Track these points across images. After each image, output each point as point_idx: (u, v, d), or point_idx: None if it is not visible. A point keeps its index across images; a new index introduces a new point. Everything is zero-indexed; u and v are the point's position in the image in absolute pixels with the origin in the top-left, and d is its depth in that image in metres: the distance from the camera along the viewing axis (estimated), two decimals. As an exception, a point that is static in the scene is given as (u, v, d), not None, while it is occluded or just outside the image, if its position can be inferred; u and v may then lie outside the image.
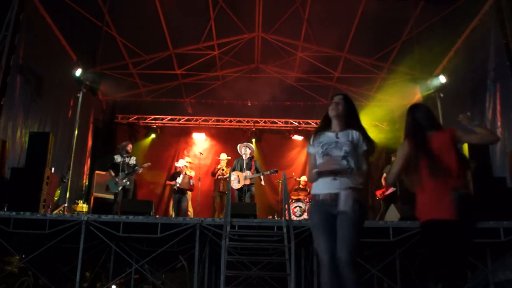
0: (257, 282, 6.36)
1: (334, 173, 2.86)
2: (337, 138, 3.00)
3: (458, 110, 8.19)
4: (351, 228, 2.74)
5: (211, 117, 11.48)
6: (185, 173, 9.29)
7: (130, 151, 8.48)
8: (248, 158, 8.36)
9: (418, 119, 3.13)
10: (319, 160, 2.98)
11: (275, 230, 5.73)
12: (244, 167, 8.27)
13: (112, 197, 8.94)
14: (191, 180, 9.28)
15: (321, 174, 2.92)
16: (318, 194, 2.94)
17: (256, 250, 5.76)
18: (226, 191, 8.87)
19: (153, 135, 11.48)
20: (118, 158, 8.33)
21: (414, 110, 3.20)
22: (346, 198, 2.77)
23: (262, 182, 8.50)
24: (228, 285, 5.36)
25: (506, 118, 6.73)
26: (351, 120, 3.06)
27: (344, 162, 2.89)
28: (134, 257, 6.34)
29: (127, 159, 8.34)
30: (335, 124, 3.07)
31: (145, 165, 8.60)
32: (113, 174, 8.14)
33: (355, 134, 3.00)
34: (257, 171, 8.34)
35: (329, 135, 3.04)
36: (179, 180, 9.18)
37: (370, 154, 3.01)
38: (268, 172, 8.44)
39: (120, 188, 8.12)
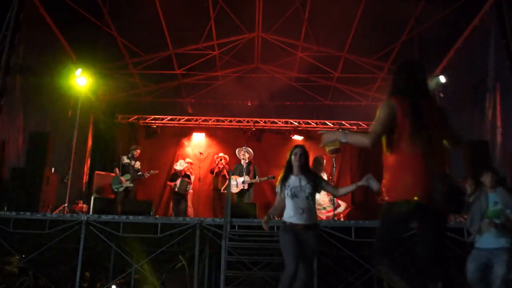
0: (257, 282, 6.36)
1: (302, 209, 3.80)
2: (300, 182, 3.90)
3: (458, 110, 8.26)
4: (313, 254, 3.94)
5: (211, 117, 11.46)
6: (184, 176, 9.27)
7: (137, 156, 8.84)
8: (247, 163, 8.41)
9: (418, 80, 2.56)
10: (288, 200, 3.88)
11: (275, 230, 5.73)
12: (244, 172, 8.33)
13: (111, 197, 8.97)
14: (188, 185, 9.25)
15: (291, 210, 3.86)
16: (289, 221, 3.84)
17: (256, 250, 5.76)
18: (224, 190, 8.89)
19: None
20: (125, 159, 8.60)
21: (414, 68, 2.64)
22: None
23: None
24: (228, 285, 5.37)
25: (506, 118, 6.73)
26: (306, 166, 3.99)
27: (307, 201, 3.85)
28: (134, 257, 6.34)
29: (132, 162, 8.66)
30: (296, 170, 3.96)
31: (152, 172, 8.88)
32: (118, 172, 8.37)
33: (310, 178, 3.93)
34: (255, 176, 8.40)
35: (293, 179, 3.93)
36: (177, 184, 9.17)
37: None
38: (266, 178, 8.51)
39: (122, 188, 8.30)
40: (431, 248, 2.44)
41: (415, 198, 2.29)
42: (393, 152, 2.46)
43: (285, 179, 3.97)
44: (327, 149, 3.37)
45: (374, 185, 3.58)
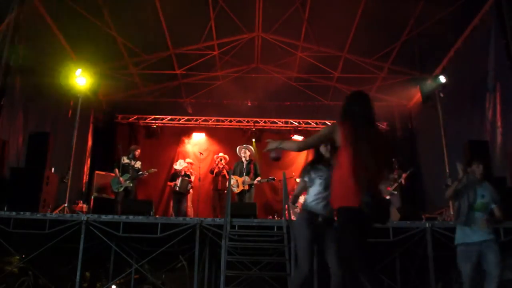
0: (257, 282, 6.36)
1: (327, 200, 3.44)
2: (322, 171, 3.64)
3: (458, 110, 8.27)
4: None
5: (211, 117, 11.47)
6: (184, 175, 9.28)
7: (137, 155, 8.82)
8: (247, 162, 8.39)
9: (365, 109, 2.95)
10: (318, 188, 3.61)
11: (275, 230, 5.74)
12: (244, 171, 8.31)
13: (111, 197, 8.98)
14: (189, 184, 9.27)
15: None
16: (310, 209, 3.58)
17: (256, 250, 5.76)
18: (224, 189, 8.89)
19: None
20: (125, 159, 8.60)
21: (363, 98, 3.02)
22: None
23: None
24: (228, 285, 5.36)
25: (506, 118, 6.73)
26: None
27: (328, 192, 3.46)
28: (134, 257, 6.34)
29: (133, 162, 8.65)
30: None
31: (151, 170, 8.85)
32: (118, 173, 8.37)
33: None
34: (256, 174, 8.38)
35: (324, 169, 3.64)
36: (178, 183, 9.18)
37: None
38: (266, 179, 8.51)
39: (122, 188, 8.31)
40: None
41: (354, 205, 2.68)
42: (336, 168, 2.93)
43: (314, 165, 3.72)
44: (270, 156, 3.44)
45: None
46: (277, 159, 3.44)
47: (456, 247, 4.31)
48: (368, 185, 2.69)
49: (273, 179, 8.59)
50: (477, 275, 4.09)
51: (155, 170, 9.01)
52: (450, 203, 7.42)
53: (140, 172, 8.63)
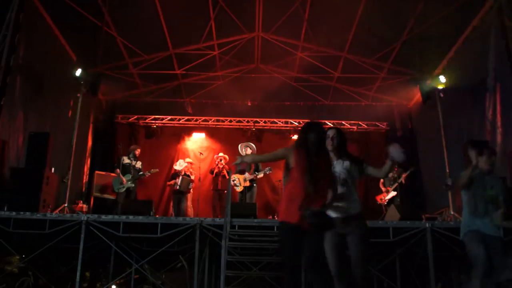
0: (257, 282, 6.36)
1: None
2: (334, 169, 3.50)
3: (458, 110, 8.27)
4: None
5: (211, 117, 11.47)
6: (184, 175, 9.29)
7: (138, 155, 8.83)
8: None
9: (318, 139, 3.34)
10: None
11: (275, 230, 5.73)
12: (245, 169, 8.31)
13: (112, 197, 8.98)
14: (190, 183, 9.28)
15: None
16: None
17: (256, 250, 5.76)
18: (224, 189, 8.88)
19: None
20: (126, 160, 8.61)
21: (316, 128, 3.39)
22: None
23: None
24: (228, 285, 5.37)
25: (506, 118, 6.73)
26: (342, 150, 3.60)
27: (343, 189, 3.45)
28: (134, 257, 6.34)
29: (133, 162, 8.66)
30: (331, 155, 3.57)
31: (153, 171, 8.86)
32: (119, 173, 8.38)
33: (346, 163, 3.54)
34: (257, 170, 8.36)
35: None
36: (178, 182, 9.19)
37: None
38: (263, 172, 8.37)
39: (124, 189, 8.33)
40: (309, 258, 3.13)
41: (292, 221, 3.10)
42: (287, 185, 3.37)
43: None
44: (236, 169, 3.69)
45: (395, 154, 3.41)
46: (243, 171, 3.67)
47: (463, 236, 4.01)
48: (308, 204, 3.10)
49: (270, 169, 8.51)
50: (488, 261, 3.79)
51: (157, 170, 9.03)
52: (450, 202, 7.43)
53: (142, 173, 8.65)
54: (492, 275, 3.81)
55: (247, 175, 8.28)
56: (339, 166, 3.52)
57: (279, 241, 3.41)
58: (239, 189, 8.25)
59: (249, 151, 8.44)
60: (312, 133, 3.30)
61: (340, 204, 3.42)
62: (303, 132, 3.36)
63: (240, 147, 8.58)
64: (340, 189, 3.44)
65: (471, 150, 4.16)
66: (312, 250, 3.13)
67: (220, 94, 11.21)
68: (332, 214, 3.43)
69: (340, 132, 3.65)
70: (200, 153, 10.40)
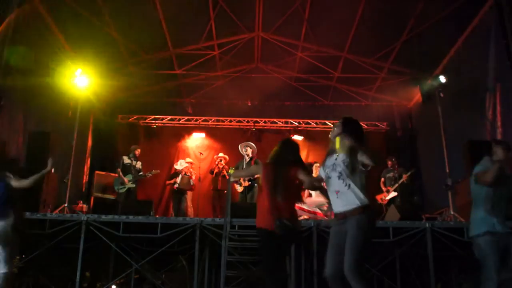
0: (257, 282, 6.36)
1: (336, 193, 3.23)
2: (335, 160, 3.30)
3: (458, 110, 8.26)
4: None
5: (211, 117, 11.47)
6: (184, 173, 9.30)
7: (138, 155, 8.88)
8: (249, 159, 8.36)
9: (287, 155, 3.83)
10: (326, 183, 3.38)
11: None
12: (245, 168, 8.29)
13: (112, 197, 8.98)
14: (190, 180, 9.29)
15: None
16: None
17: (256, 250, 5.75)
18: (224, 190, 8.87)
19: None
20: (126, 160, 8.66)
21: (287, 145, 3.95)
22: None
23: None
24: (228, 285, 5.36)
25: (506, 118, 6.73)
26: (343, 143, 3.29)
27: (340, 181, 3.21)
28: (134, 257, 6.34)
29: (134, 162, 8.71)
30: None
31: (154, 172, 8.92)
32: (121, 174, 8.45)
33: (343, 155, 3.26)
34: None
35: (332, 157, 3.36)
36: (178, 180, 9.19)
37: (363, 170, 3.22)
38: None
39: (125, 189, 8.38)
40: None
41: (265, 227, 3.64)
42: (259, 196, 3.96)
43: (325, 159, 3.41)
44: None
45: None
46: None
47: (478, 236, 3.77)
48: (278, 214, 3.56)
49: None
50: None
51: (158, 172, 9.08)
52: (450, 202, 7.42)
53: (142, 173, 8.68)
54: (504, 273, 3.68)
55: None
56: (341, 157, 3.26)
57: (258, 246, 3.90)
58: (240, 189, 8.24)
59: (249, 150, 8.43)
60: (281, 148, 3.84)
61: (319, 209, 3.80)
62: (276, 148, 3.90)
63: (240, 147, 8.57)
64: (337, 184, 3.20)
65: (497, 146, 3.92)
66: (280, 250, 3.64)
67: (220, 94, 11.21)
68: (335, 208, 3.23)
69: (346, 122, 3.36)
70: (200, 153, 10.40)
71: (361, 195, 3.15)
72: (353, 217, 3.08)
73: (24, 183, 4.58)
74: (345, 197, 3.15)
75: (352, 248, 2.97)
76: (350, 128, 3.33)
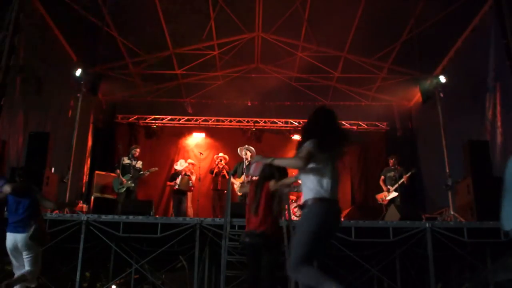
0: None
1: None
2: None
3: (458, 110, 8.26)
4: None
5: (211, 117, 11.47)
6: (184, 174, 9.30)
7: (137, 155, 8.89)
8: (248, 162, 8.39)
9: (266, 171, 4.10)
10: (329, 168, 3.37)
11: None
12: (244, 172, 8.34)
13: (112, 197, 8.98)
14: (190, 181, 9.29)
15: None
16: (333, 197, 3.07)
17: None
18: (224, 190, 8.88)
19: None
20: (126, 160, 8.66)
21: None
22: None
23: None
24: (228, 285, 5.37)
25: (506, 118, 6.73)
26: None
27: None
28: (134, 257, 6.34)
29: (133, 162, 8.71)
30: None
31: (152, 169, 8.91)
32: (119, 174, 8.43)
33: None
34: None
35: None
36: (178, 181, 9.19)
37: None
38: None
39: (124, 189, 8.38)
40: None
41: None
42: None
43: None
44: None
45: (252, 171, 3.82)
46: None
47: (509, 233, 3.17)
48: (247, 227, 4.23)
49: None
50: None
51: (156, 169, 9.06)
52: (450, 202, 7.43)
53: (141, 172, 8.68)
54: None
55: (244, 178, 8.27)
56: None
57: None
58: (239, 193, 8.27)
59: (248, 154, 8.47)
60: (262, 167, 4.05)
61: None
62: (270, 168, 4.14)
63: (240, 150, 8.61)
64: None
65: None
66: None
67: (220, 94, 11.21)
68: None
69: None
70: (200, 153, 10.40)
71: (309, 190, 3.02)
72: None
73: (48, 204, 4.85)
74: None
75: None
76: (307, 135, 3.25)
